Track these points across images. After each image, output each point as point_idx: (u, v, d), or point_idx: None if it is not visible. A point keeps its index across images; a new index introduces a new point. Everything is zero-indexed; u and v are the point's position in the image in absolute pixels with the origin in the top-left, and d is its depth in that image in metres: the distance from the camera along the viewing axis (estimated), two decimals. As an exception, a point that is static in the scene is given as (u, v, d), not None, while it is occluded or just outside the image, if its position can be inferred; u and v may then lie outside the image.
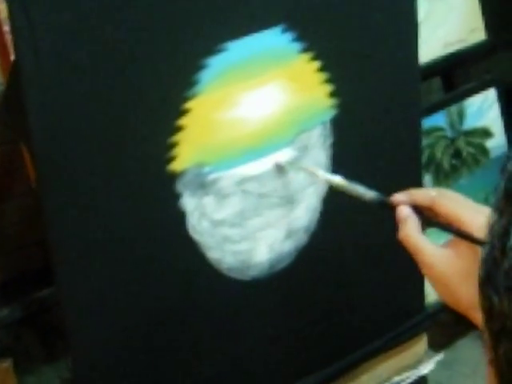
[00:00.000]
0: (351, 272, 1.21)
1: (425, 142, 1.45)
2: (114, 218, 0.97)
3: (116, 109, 0.93)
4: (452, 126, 1.57)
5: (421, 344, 1.36)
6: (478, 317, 0.82)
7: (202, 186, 1.02)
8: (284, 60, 1.06)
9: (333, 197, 1.12)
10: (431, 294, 1.22)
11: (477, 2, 1.60)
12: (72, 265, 0.95)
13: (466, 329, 1.61)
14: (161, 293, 1.02)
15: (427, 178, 1.51)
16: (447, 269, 0.82)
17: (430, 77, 1.56)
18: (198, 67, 0.98)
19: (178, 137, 0.98)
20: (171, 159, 0.98)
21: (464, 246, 0.81)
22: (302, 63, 1.07)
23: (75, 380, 1.01)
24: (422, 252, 0.83)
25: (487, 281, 0.45)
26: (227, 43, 0.99)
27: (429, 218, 0.86)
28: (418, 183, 1.28)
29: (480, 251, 0.79)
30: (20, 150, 1.18)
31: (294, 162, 1.09)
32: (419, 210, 0.86)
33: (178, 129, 0.98)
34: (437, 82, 1.66)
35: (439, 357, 1.38)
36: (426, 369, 1.36)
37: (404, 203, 0.87)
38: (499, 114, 1.63)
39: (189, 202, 1.01)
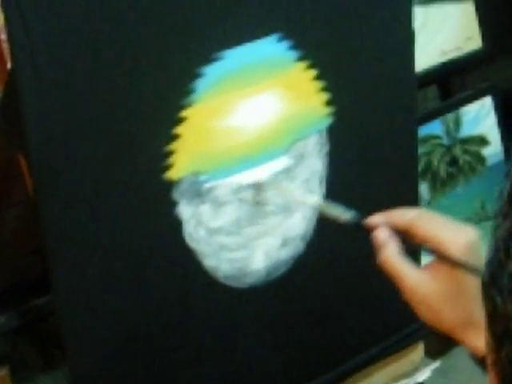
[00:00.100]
0: (348, 280, 1.21)
1: (421, 149, 1.45)
2: (111, 227, 0.97)
3: (112, 117, 0.94)
4: (448, 133, 1.57)
5: (417, 352, 1.36)
6: (463, 336, 0.83)
7: (199, 194, 1.02)
8: (280, 68, 1.06)
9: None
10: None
11: (473, 10, 1.60)
12: (68, 273, 0.95)
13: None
14: (157, 301, 1.02)
15: (424, 186, 1.51)
16: (429, 291, 0.81)
17: (426, 85, 1.56)
18: (194, 76, 0.98)
19: (174, 145, 0.98)
20: (167, 167, 0.99)
21: (444, 267, 0.81)
22: (298, 72, 1.08)
23: (72, 388, 1.01)
24: (402, 277, 0.83)
25: (491, 283, 0.45)
26: (223, 52, 1.00)
27: (406, 240, 0.84)
28: (415, 191, 1.28)
29: (460, 273, 0.80)
30: (18, 158, 1.18)
31: (273, 182, 1.07)
32: (397, 231, 0.85)
33: (174, 137, 0.98)
34: (433, 90, 1.66)
35: (435, 364, 1.38)
36: (422, 376, 1.36)
37: (381, 225, 0.86)
38: (496, 122, 1.63)
39: (185, 211, 1.02)
